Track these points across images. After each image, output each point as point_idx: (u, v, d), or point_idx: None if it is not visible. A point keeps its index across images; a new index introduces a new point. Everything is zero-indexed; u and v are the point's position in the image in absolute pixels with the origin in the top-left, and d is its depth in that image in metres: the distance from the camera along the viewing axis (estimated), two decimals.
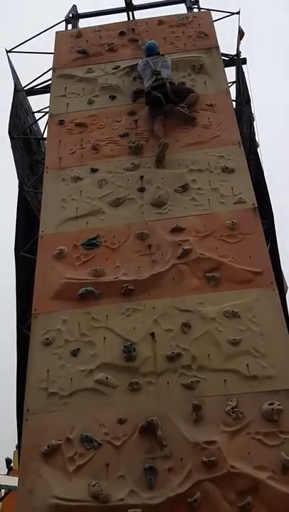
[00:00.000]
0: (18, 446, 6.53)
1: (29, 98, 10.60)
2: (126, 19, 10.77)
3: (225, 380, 5.94)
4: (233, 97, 9.71)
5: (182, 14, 10.32)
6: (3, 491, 14.78)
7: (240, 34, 9.95)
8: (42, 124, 10.51)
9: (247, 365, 6.00)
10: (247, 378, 5.92)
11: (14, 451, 16.58)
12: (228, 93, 8.79)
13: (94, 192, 7.81)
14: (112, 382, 6.12)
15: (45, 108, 10.12)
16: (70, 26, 11.05)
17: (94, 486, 5.43)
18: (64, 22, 11.06)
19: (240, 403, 5.75)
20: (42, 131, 10.56)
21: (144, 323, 6.51)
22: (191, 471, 5.42)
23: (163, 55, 8.99)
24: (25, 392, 6.28)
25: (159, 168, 7.92)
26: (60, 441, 5.77)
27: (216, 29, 9.71)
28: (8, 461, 17.13)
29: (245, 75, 9.54)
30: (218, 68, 9.10)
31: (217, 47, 9.39)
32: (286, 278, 7.87)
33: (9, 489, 13.83)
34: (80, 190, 7.87)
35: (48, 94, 9.48)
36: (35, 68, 10.35)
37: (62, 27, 10.94)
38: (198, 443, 5.56)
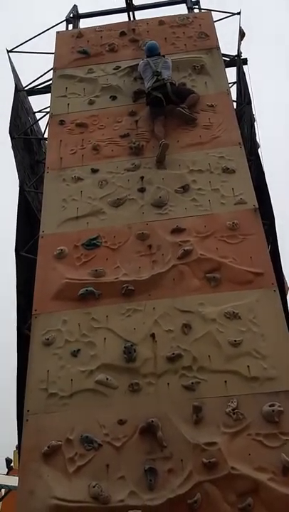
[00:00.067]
0: (18, 447, 6.53)
1: (30, 98, 10.60)
2: (127, 19, 10.77)
3: (225, 381, 5.93)
4: (234, 97, 9.70)
5: (183, 15, 10.32)
6: (3, 490, 14.76)
7: (241, 34, 9.95)
8: (43, 124, 10.52)
9: (248, 366, 5.99)
10: (247, 379, 5.91)
11: (14, 451, 16.56)
12: (229, 94, 8.78)
13: (94, 192, 7.81)
14: (113, 383, 6.12)
15: (45, 108, 10.11)
16: (70, 26, 11.04)
17: (94, 486, 5.43)
18: (65, 22, 11.05)
19: (240, 404, 5.74)
20: (43, 131, 10.55)
21: (144, 324, 6.51)
22: (192, 473, 5.41)
23: (164, 56, 8.99)
24: (26, 392, 6.27)
25: (159, 168, 7.92)
26: (60, 442, 5.77)
27: (216, 30, 9.71)
28: (8, 461, 17.11)
29: (246, 75, 9.54)
30: (219, 69, 9.09)
31: (218, 47, 9.39)
32: (287, 279, 7.88)
33: (9, 489, 13.81)
34: (81, 190, 7.87)
35: (49, 94, 9.47)
36: (36, 68, 10.35)
37: (63, 27, 10.95)
38: (199, 444, 5.55)
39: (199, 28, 9.72)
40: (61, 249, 7.25)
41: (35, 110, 10.66)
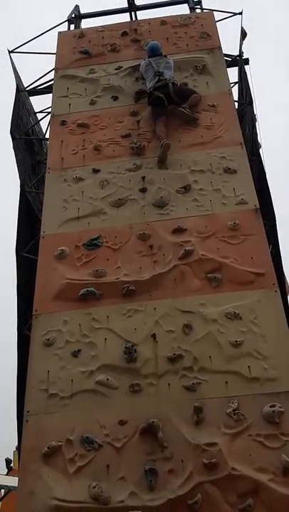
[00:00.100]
0: (18, 448, 6.52)
1: (31, 98, 10.59)
2: (128, 19, 10.76)
3: (226, 382, 5.92)
4: (236, 97, 9.69)
5: (185, 15, 10.31)
6: (2, 491, 14.75)
7: (243, 34, 9.95)
8: (44, 124, 10.52)
9: (248, 366, 5.98)
10: (248, 380, 5.90)
11: (14, 451, 16.55)
12: (231, 94, 8.76)
13: (96, 192, 7.80)
14: (113, 384, 6.11)
15: (47, 108, 10.11)
16: (72, 26, 11.02)
17: (94, 487, 5.42)
18: (66, 22, 11.04)
19: (241, 405, 5.73)
20: (44, 132, 10.54)
21: (145, 324, 6.50)
22: (192, 473, 5.40)
23: (166, 56, 8.98)
24: (26, 393, 6.26)
25: (160, 168, 7.91)
26: (60, 443, 5.76)
27: (218, 30, 9.70)
28: (8, 461, 17.10)
29: (248, 75, 9.53)
30: (221, 69, 9.08)
31: (219, 47, 9.38)
32: (288, 279, 7.87)
33: (9, 489, 13.81)
34: (82, 190, 7.86)
35: (50, 95, 9.47)
36: (38, 68, 10.35)
37: (64, 27, 10.93)
38: (199, 445, 5.54)
39: (201, 28, 9.71)
40: (62, 250, 7.24)
41: (36, 110, 10.67)
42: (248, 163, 7.80)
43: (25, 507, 5.48)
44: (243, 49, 9.98)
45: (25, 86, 10.34)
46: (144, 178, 7.83)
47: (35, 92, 10.49)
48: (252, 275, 6.67)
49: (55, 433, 5.85)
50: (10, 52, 10.28)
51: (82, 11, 11.43)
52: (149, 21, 10.29)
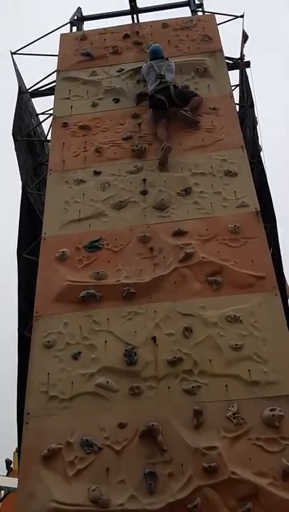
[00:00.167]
0: (18, 450, 6.52)
1: (33, 100, 10.59)
2: (130, 22, 10.79)
3: (226, 386, 5.91)
4: (237, 100, 9.68)
5: (186, 17, 10.33)
6: (2, 492, 14.75)
7: (244, 37, 9.95)
8: (46, 126, 10.53)
9: (249, 370, 5.97)
10: (248, 384, 5.89)
11: (14, 452, 16.55)
12: (232, 97, 8.78)
13: (97, 194, 7.81)
14: (113, 387, 6.10)
15: (49, 110, 10.12)
16: (74, 29, 11.05)
17: (94, 490, 5.41)
18: (69, 24, 11.06)
19: (241, 409, 5.72)
20: (46, 133, 10.54)
21: (145, 327, 6.49)
22: (192, 477, 5.39)
23: (167, 59, 9.00)
24: (26, 395, 6.26)
25: (161, 171, 7.91)
26: (60, 445, 5.75)
27: (220, 32, 9.72)
28: (8, 462, 17.10)
29: (249, 78, 9.53)
30: (222, 72, 9.10)
31: (221, 50, 9.41)
32: (288, 283, 7.86)
33: (9, 490, 13.80)
34: (83, 192, 7.87)
35: (52, 96, 9.47)
36: (40, 70, 10.36)
37: (67, 29, 10.93)
38: (199, 448, 5.53)
39: (203, 31, 9.74)
40: (63, 252, 7.24)
41: (38, 112, 10.66)
42: (248, 166, 7.81)
43: (25, 509, 5.47)
44: (244, 52, 9.99)
45: (28, 88, 10.34)
46: (145, 180, 7.84)
47: (37, 93, 10.50)
48: (252, 278, 6.66)
49: (55, 435, 5.84)
50: (12, 53, 10.29)
51: (84, 14, 11.45)
52: (150, 24, 10.30)
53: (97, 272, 6.98)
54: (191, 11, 10.91)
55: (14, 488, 10.26)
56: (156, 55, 9.06)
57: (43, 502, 5.45)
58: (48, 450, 5.71)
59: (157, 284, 6.81)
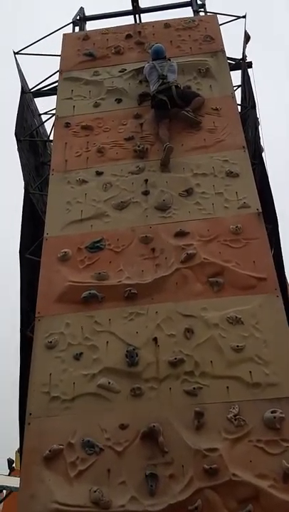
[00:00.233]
0: (20, 450, 6.53)
1: (36, 100, 10.60)
2: (133, 22, 10.78)
3: (227, 387, 5.92)
4: (239, 101, 9.68)
5: (189, 18, 10.32)
6: (4, 491, 14.71)
7: (246, 38, 9.94)
8: (48, 125, 10.54)
9: (250, 372, 5.98)
10: (249, 385, 5.90)
11: (16, 451, 16.53)
12: (234, 97, 8.79)
13: (99, 195, 7.81)
14: (115, 387, 6.11)
15: (51, 110, 10.12)
16: (77, 29, 11.03)
17: (95, 491, 5.42)
18: (71, 24, 11.05)
19: (242, 410, 5.73)
20: (48, 133, 10.55)
21: (147, 328, 6.50)
22: (193, 479, 5.40)
23: (169, 59, 9.00)
24: (28, 395, 6.27)
25: (163, 171, 7.92)
26: (61, 446, 5.76)
27: (222, 33, 9.71)
28: (10, 462, 17.08)
29: (251, 78, 9.53)
30: (224, 72, 9.10)
31: (223, 51, 9.40)
32: None
33: (11, 490, 13.78)
34: (85, 193, 7.87)
35: (55, 96, 9.48)
36: (42, 70, 10.37)
37: (69, 29, 10.94)
38: (200, 450, 5.54)
39: (205, 31, 9.73)
40: (65, 252, 7.25)
41: (40, 112, 10.66)
42: (250, 167, 7.82)
43: (27, 510, 5.49)
44: (246, 52, 9.98)
45: (30, 88, 10.35)
46: (146, 181, 7.84)
47: (40, 93, 10.50)
48: (254, 280, 6.67)
49: (57, 436, 5.85)
50: (15, 53, 10.29)
51: (87, 13, 11.44)
52: (153, 24, 10.30)
53: (99, 273, 6.98)
54: (193, 12, 10.88)
55: (16, 488, 10.26)
56: (158, 55, 9.07)
57: (45, 503, 5.46)
58: (50, 451, 5.73)
59: (159, 284, 6.81)
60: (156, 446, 5.64)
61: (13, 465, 16.56)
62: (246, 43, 9.92)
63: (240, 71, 10.13)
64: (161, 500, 5.33)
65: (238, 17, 10.35)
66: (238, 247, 7.01)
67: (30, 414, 6.10)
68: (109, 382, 6.14)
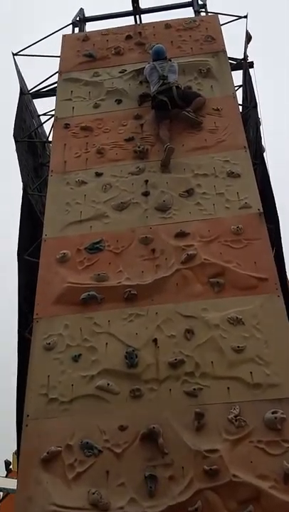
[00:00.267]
0: (18, 452, 6.48)
1: (35, 101, 10.58)
2: (133, 23, 10.77)
3: (228, 388, 5.87)
4: (240, 101, 9.65)
5: (189, 18, 10.29)
6: (1, 493, 14.68)
7: (248, 38, 9.92)
8: (47, 126, 10.51)
9: (251, 372, 5.93)
10: (250, 386, 5.85)
11: (13, 453, 16.50)
12: (235, 97, 8.75)
13: (98, 196, 7.77)
14: (114, 389, 6.06)
15: (50, 111, 10.10)
16: (77, 29, 11.01)
17: (94, 493, 5.37)
18: (71, 25, 11.03)
19: (243, 411, 5.68)
20: (47, 134, 10.52)
21: (146, 329, 6.45)
22: (193, 480, 5.35)
23: (170, 60, 8.97)
24: (26, 397, 6.22)
25: (164, 172, 7.88)
26: (59, 448, 5.72)
27: (223, 32, 9.69)
28: (7, 463, 17.06)
29: (252, 78, 9.51)
30: (225, 72, 9.05)
31: (224, 51, 9.36)
32: None
33: (8, 492, 13.75)
34: (85, 194, 7.83)
35: (54, 97, 9.45)
36: (42, 71, 10.35)
37: (69, 30, 10.92)
38: (200, 451, 5.49)
39: (206, 32, 9.70)
40: (64, 253, 7.21)
41: (40, 113, 10.64)
42: (251, 167, 7.78)
43: None
44: (247, 52, 9.96)
45: (29, 89, 10.32)
46: (147, 181, 7.80)
47: (39, 94, 10.48)
48: (255, 280, 6.62)
49: (55, 438, 5.80)
50: (14, 54, 10.27)
51: (86, 14, 11.43)
52: (153, 25, 10.27)
53: (98, 274, 6.94)
54: (195, 12, 10.87)
55: (13, 490, 10.22)
56: (159, 55, 9.03)
57: (43, 505, 5.41)
58: (48, 453, 5.68)
59: (159, 285, 6.77)
60: (156, 448, 5.58)
61: (11, 466, 16.54)
62: (248, 43, 9.91)
63: (241, 71, 10.12)
64: (161, 502, 5.28)
65: (240, 17, 10.34)
66: (239, 247, 6.96)
67: (28, 415, 6.05)
68: (108, 384, 6.09)
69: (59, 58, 9.91)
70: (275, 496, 5.15)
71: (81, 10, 11.35)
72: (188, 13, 11.00)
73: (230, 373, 5.97)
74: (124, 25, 10.58)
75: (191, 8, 11.09)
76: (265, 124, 8.91)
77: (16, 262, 7.85)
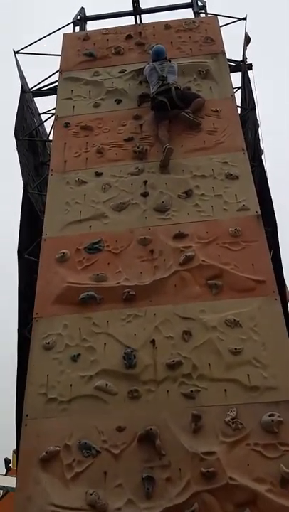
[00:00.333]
0: (17, 452, 6.51)
1: (35, 99, 10.58)
2: (133, 22, 10.78)
3: (225, 390, 5.90)
4: (239, 102, 9.67)
5: (189, 19, 10.31)
6: (1, 491, 14.70)
7: (247, 40, 9.93)
8: (48, 125, 10.51)
9: (248, 375, 5.95)
10: (247, 389, 5.87)
11: (13, 451, 16.50)
12: (234, 99, 8.77)
13: (98, 196, 7.80)
14: (112, 389, 6.09)
15: (51, 110, 10.10)
16: (77, 28, 11.02)
17: (91, 494, 5.39)
18: (72, 24, 11.03)
19: (240, 414, 5.70)
20: (48, 133, 10.53)
21: (144, 330, 6.48)
22: (190, 482, 5.37)
23: (170, 60, 8.98)
24: (25, 396, 6.25)
25: (163, 173, 7.90)
26: (58, 448, 5.74)
27: (222, 34, 9.71)
28: (6, 461, 17.05)
29: (251, 80, 9.52)
30: (224, 74, 9.08)
31: (223, 52, 9.38)
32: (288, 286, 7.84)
33: (7, 490, 13.77)
34: (84, 193, 7.85)
35: (55, 96, 9.46)
36: (42, 70, 10.35)
37: (70, 29, 10.93)
38: (197, 453, 5.51)
39: (205, 33, 9.72)
40: (63, 253, 7.23)
41: (40, 112, 10.64)
42: (249, 169, 7.80)
43: None
44: (246, 54, 9.97)
45: (30, 87, 10.33)
46: (146, 182, 7.82)
47: (40, 93, 10.48)
48: (252, 282, 6.65)
49: (54, 438, 5.83)
50: (15, 53, 10.27)
51: (87, 14, 11.42)
52: (153, 25, 10.29)
53: (97, 274, 6.97)
54: (194, 13, 10.86)
55: (13, 488, 10.24)
56: (158, 56, 9.04)
57: (41, 505, 5.43)
58: (46, 452, 5.70)
59: (157, 286, 6.79)
60: (154, 449, 5.60)
61: (10, 464, 16.54)
62: (246, 45, 9.92)
63: (240, 73, 10.13)
64: (158, 504, 5.30)
65: (239, 19, 10.34)
66: (237, 249, 6.99)
67: (27, 415, 6.07)
68: (106, 384, 6.11)
69: (59, 57, 9.92)
70: (272, 500, 5.16)
71: (82, 9, 11.34)
72: (188, 14, 11.02)
73: (228, 375, 5.99)
74: (125, 24, 10.59)
75: (190, 9, 11.08)
76: (265, 124, 8.94)
77: (16, 261, 7.83)
